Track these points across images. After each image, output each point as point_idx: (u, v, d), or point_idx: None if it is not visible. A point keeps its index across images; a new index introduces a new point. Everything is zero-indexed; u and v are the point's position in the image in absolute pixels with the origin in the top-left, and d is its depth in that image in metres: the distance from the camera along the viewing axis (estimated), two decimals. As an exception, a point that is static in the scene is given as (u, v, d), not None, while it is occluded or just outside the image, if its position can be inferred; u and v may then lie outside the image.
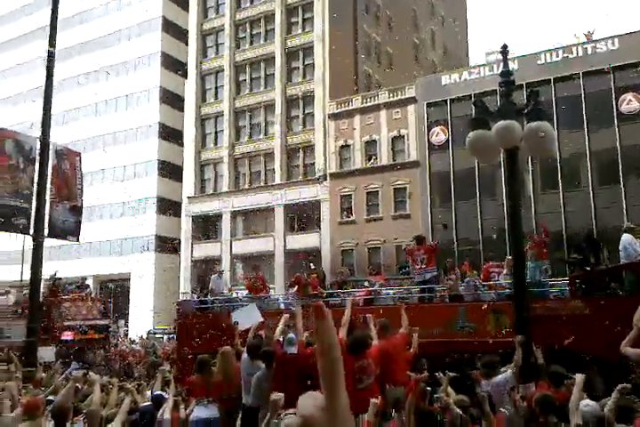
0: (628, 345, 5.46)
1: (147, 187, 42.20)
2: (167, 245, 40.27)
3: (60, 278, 18.18)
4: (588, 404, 4.93)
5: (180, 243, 37.00)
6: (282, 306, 12.77)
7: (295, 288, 13.02)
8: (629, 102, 24.83)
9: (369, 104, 31.60)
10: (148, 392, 7.29)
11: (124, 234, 41.76)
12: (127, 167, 43.68)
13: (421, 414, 5.02)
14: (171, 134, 42.14)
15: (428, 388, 6.38)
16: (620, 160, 24.57)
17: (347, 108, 32.23)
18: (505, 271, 10.64)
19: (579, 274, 9.53)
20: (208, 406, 6.54)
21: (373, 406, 4.90)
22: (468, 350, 8.70)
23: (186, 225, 36.84)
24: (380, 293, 12.00)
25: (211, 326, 11.06)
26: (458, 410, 5.24)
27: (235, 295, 15.00)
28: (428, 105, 29.43)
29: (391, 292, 12.06)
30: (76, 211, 13.24)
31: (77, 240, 13.46)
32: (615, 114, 24.90)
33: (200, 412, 6.48)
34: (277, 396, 4.28)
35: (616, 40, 25.29)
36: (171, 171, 41.58)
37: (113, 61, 45.10)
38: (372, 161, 31.26)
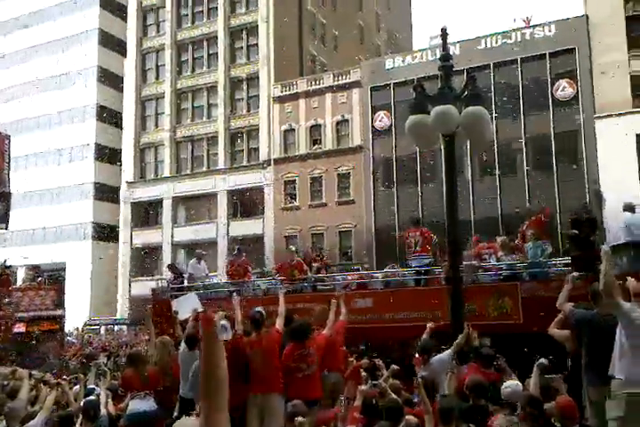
0: (556, 327, 5.62)
1: (83, 172, 40.60)
2: (105, 233, 39.04)
3: (10, 266, 17.21)
4: (508, 385, 5.02)
5: (118, 230, 35.98)
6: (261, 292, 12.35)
7: (277, 273, 12.56)
8: (564, 89, 25.56)
9: (314, 87, 31.33)
10: (76, 387, 7.02)
11: (60, 221, 40.18)
12: (63, 151, 41.88)
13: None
14: (109, 116, 40.61)
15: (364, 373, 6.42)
16: (553, 146, 25.34)
17: (291, 92, 31.86)
18: (501, 253, 10.31)
19: (581, 253, 9.06)
20: (145, 398, 6.37)
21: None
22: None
23: (125, 212, 35.79)
24: (373, 276, 11.72)
25: None
26: (394, 395, 5.26)
27: (213, 281, 14.28)
28: (373, 89, 29.43)
29: (380, 276, 11.84)
30: (4, 197, 12.60)
31: (6, 227, 12.81)
32: (550, 100, 25.59)
33: (136, 405, 6.29)
34: None
35: (552, 26, 25.89)
36: (109, 155, 40.17)
37: (47, 39, 42.89)
38: (316, 146, 31.11)
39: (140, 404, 6.27)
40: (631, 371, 4.44)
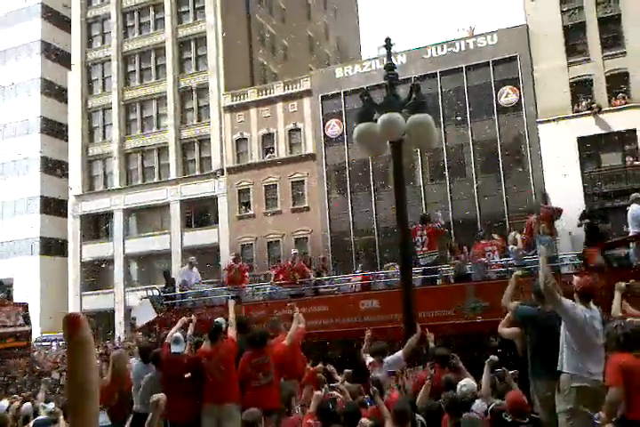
0: (505, 326, 5.81)
1: (29, 185, 39.36)
2: (53, 247, 37.88)
3: None
4: (464, 384, 5.16)
5: (67, 244, 34.97)
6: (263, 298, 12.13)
7: (275, 277, 12.19)
8: (507, 95, 26.41)
9: (265, 97, 31.36)
10: (28, 404, 6.81)
11: (6, 236, 38.78)
12: (5, 164, 40.48)
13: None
14: (54, 129, 39.55)
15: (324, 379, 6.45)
16: (499, 150, 26.13)
17: (242, 101, 31.80)
18: (516, 246, 10.09)
19: (596, 244, 9.02)
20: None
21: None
22: (481, 330, 8.58)
23: (73, 225, 34.86)
24: (378, 277, 11.47)
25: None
26: (350, 398, 5.33)
27: (207, 288, 13.61)
28: (323, 98, 29.69)
29: (384, 275, 11.52)
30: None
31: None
32: (495, 106, 26.39)
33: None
34: (158, 396, 4.07)
35: (495, 35, 26.75)
36: (55, 168, 39.03)
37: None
38: (269, 154, 31.12)
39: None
40: (578, 366, 4.58)
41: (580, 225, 10.11)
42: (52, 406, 6.66)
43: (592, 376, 4.55)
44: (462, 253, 10.78)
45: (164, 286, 13.46)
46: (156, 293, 12.99)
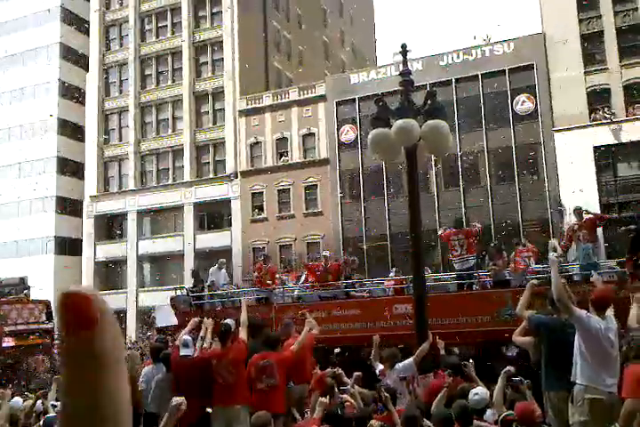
0: (519, 335, 5.75)
1: (45, 186, 39.77)
2: (68, 247, 38.20)
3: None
4: (477, 392, 5.12)
5: (81, 244, 35.26)
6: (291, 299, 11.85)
7: (304, 277, 11.96)
8: (523, 103, 26.29)
9: (280, 101, 31.49)
10: (38, 402, 6.85)
11: (21, 235, 39.19)
12: (23, 164, 40.98)
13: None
14: (71, 130, 39.98)
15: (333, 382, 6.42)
16: (514, 158, 25.98)
17: (257, 105, 31.96)
18: (557, 253, 9.72)
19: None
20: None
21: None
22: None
23: (88, 225, 35.17)
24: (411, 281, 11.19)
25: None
26: (361, 404, 5.30)
27: (237, 289, 13.58)
28: (338, 103, 29.75)
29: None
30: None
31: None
32: (511, 114, 26.27)
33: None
34: (179, 401, 4.09)
35: (512, 43, 26.66)
36: (71, 168, 39.45)
37: (8, 52, 42.09)
38: (282, 158, 31.21)
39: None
40: (592, 377, 4.54)
41: (627, 231, 9.88)
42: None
43: (607, 388, 4.50)
44: (501, 257, 10.47)
45: (191, 285, 13.30)
46: (184, 292, 12.84)
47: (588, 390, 4.52)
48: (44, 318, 16.43)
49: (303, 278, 12.44)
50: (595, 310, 4.75)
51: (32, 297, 18.76)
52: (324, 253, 12.68)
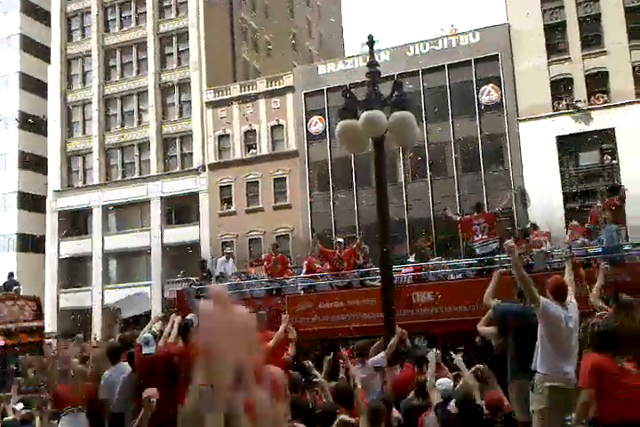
0: (484, 324, 5.81)
1: (7, 181, 38.72)
2: (30, 244, 37.27)
3: None
4: (441, 382, 5.17)
5: (44, 241, 34.48)
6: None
7: (321, 265, 11.44)
8: (489, 93, 26.57)
9: (247, 93, 31.19)
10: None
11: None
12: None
13: (293, 402, 5.00)
14: (33, 124, 38.92)
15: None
16: (480, 148, 26.28)
17: (225, 97, 31.60)
18: (580, 239, 9.73)
19: None
20: (77, 414, 6.16)
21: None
22: None
23: (51, 221, 34.41)
24: (431, 267, 10.84)
25: None
26: (330, 396, 5.30)
27: (248, 280, 12.87)
28: (306, 94, 29.61)
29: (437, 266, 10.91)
30: None
31: None
32: (476, 104, 26.53)
33: (66, 424, 6.08)
34: (149, 393, 4.00)
35: (477, 33, 26.87)
36: (34, 163, 38.45)
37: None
38: (251, 151, 30.97)
39: (73, 424, 6.07)
40: (551, 365, 4.59)
41: None
42: (20, 406, 6.53)
43: (565, 376, 4.55)
44: (526, 241, 10.26)
45: (199, 278, 12.79)
46: (189, 284, 12.38)
47: (547, 378, 4.57)
48: (33, 315, 15.86)
49: (305, 268, 12.03)
50: (554, 299, 4.77)
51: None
52: (338, 240, 12.19)
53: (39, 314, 16.13)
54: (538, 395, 4.61)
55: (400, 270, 11.53)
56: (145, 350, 6.17)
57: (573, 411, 4.07)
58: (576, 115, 24.61)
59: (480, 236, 9.90)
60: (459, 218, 10.68)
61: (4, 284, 16.97)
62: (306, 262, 12.20)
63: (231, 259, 13.15)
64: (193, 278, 12.92)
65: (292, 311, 9.58)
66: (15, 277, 18.80)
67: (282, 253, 13.94)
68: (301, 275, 12.11)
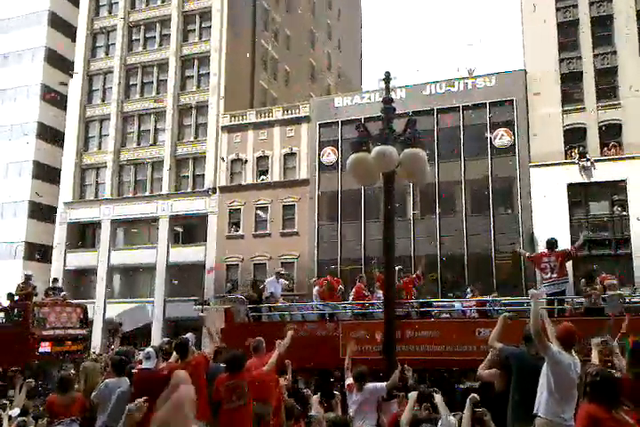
0: (485, 368, 5.77)
1: (19, 189, 39.11)
2: (38, 253, 37.38)
3: (30, 276, 15.67)
4: (443, 422, 5.12)
5: (52, 251, 34.59)
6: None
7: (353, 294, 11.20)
8: (501, 137, 26.83)
9: (263, 120, 31.67)
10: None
11: (-10, 239, 38.30)
12: (-1, 166, 40.27)
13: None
14: (50, 135, 39.53)
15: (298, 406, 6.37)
16: (490, 190, 26.40)
17: (241, 122, 32.07)
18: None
19: None
20: (71, 425, 6.15)
21: None
22: None
23: (60, 232, 34.58)
24: (496, 303, 10.65)
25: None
26: (324, 425, 5.27)
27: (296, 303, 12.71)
28: (321, 125, 30.03)
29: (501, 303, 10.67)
30: None
31: None
32: (489, 147, 26.77)
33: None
34: (139, 401, 3.98)
35: (493, 78, 27.32)
36: (47, 174, 38.87)
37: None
38: (262, 177, 31.25)
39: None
40: (555, 411, 4.60)
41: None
42: (16, 412, 6.51)
43: (565, 422, 4.56)
44: (597, 283, 10.01)
45: (246, 295, 12.32)
46: (241, 304, 11.93)
47: (549, 423, 4.58)
48: (80, 323, 15.58)
49: (352, 295, 11.71)
50: (563, 347, 4.81)
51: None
52: (398, 267, 11.90)
53: (85, 322, 15.85)
54: (540, 439, 4.61)
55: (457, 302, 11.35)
56: (145, 364, 6.17)
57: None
58: (587, 164, 24.74)
59: (550, 274, 9.69)
60: (527, 254, 10.56)
61: (48, 289, 16.76)
62: (354, 290, 11.87)
63: (281, 279, 12.59)
64: (242, 296, 12.34)
65: (346, 338, 9.35)
66: (60, 284, 18.51)
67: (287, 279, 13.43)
68: (349, 301, 11.76)
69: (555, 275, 9.66)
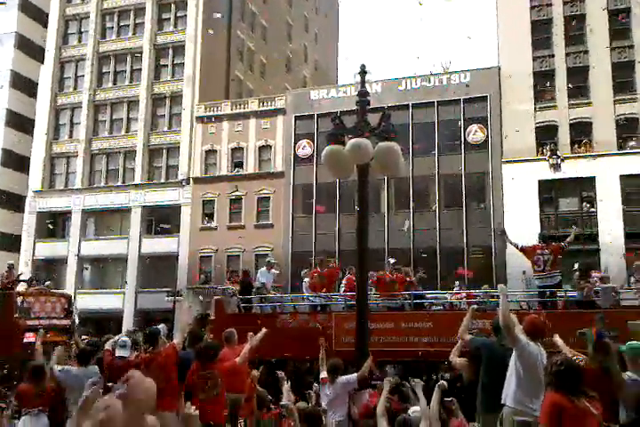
0: (456, 355, 5.90)
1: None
2: (6, 243, 36.61)
3: (12, 265, 15.16)
4: (415, 410, 5.22)
5: (20, 240, 33.94)
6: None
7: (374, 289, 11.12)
8: (475, 133, 27.13)
9: (239, 111, 31.46)
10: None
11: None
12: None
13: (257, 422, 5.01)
14: (20, 123, 38.64)
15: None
16: (463, 185, 26.70)
17: (216, 113, 31.80)
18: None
19: None
20: (38, 415, 6.09)
21: None
22: None
23: (29, 221, 33.92)
24: (491, 296, 10.67)
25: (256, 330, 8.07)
26: (296, 415, 5.31)
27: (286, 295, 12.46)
28: (297, 118, 29.96)
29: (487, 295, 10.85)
30: None
31: None
32: (463, 142, 27.05)
33: (28, 424, 6.00)
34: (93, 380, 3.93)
35: (468, 74, 27.57)
36: (16, 162, 38.01)
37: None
38: (237, 168, 31.07)
39: (34, 423, 5.99)
40: (522, 400, 4.73)
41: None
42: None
43: (533, 411, 4.65)
44: (591, 277, 10.26)
45: (238, 287, 12.19)
46: (231, 294, 11.89)
47: (516, 412, 4.71)
48: (64, 313, 15.28)
49: (344, 286, 11.66)
50: (531, 338, 4.94)
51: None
52: (392, 260, 12.04)
53: (69, 312, 15.56)
54: (507, 428, 4.73)
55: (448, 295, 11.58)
56: (119, 352, 6.13)
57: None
58: (557, 161, 25.17)
59: (543, 267, 9.81)
60: (520, 245, 10.52)
61: (30, 278, 16.39)
62: (345, 281, 11.84)
63: (272, 269, 12.46)
64: (232, 288, 12.21)
65: (339, 329, 9.47)
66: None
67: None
68: (341, 293, 11.75)
69: (548, 268, 9.81)
